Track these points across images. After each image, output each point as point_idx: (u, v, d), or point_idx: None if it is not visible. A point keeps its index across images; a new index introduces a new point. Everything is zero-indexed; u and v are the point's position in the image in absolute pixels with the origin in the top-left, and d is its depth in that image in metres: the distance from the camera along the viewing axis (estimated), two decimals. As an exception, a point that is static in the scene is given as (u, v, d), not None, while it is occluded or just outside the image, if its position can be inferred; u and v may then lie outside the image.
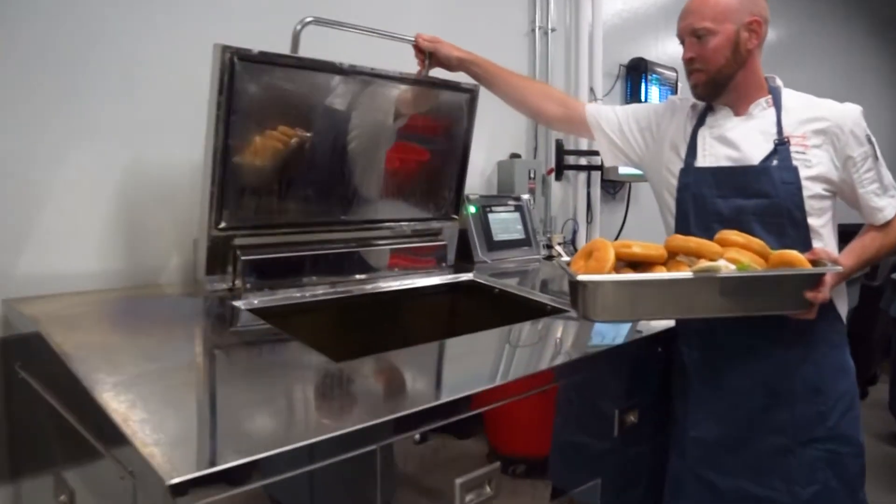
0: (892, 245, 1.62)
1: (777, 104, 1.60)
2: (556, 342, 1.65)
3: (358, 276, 2.03)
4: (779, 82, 1.66)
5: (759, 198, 1.55)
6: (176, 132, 1.89)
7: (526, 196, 2.62)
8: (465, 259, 2.36)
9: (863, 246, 1.61)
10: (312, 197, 1.89)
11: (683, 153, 1.67)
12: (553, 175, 3.01)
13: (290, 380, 1.28)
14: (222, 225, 1.71)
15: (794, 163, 1.54)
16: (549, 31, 3.00)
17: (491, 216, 2.43)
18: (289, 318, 1.74)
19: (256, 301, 1.73)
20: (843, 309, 1.64)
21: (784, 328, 1.54)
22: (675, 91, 3.64)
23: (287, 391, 1.23)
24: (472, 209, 2.36)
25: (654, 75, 3.50)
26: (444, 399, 1.18)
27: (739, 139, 1.60)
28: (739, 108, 1.64)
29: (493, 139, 2.76)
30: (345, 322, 1.92)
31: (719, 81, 1.59)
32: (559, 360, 1.46)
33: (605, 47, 3.20)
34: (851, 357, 1.66)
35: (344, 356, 1.32)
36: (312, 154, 1.86)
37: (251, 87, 1.66)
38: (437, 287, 2.14)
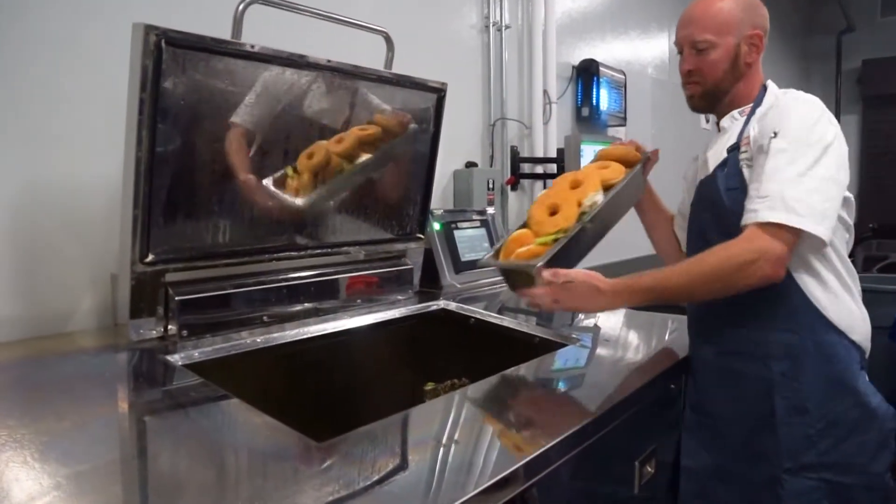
0: (711, 269, 1.33)
1: (752, 112, 1.46)
2: (564, 395, 1.37)
3: (315, 312, 1.70)
4: (772, 87, 1.51)
5: (714, 208, 1.45)
6: (86, 142, 1.53)
7: (491, 210, 2.33)
8: (430, 283, 2.06)
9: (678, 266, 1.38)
10: (259, 219, 1.55)
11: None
12: (510, 185, 2.75)
13: (272, 480, 0.92)
14: (149, 258, 1.36)
15: (741, 165, 1.41)
16: (503, 28, 2.74)
17: (457, 233, 2.13)
18: (240, 376, 1.40)
19: (197, 353, 1.38)
20: (845, 318, 1.41)
21: (766, 344, 1.41)
22: (624, 95, 3.45)
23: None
24: (436, 226, 2.05)
25: (604, 78, 3.31)
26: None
27: (710, 155, 1.52)
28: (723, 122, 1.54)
29: (448, 146, 2.46)
30: (309, 376, 1.60)
31: (714, 94, 1.50)
32: (578, 424, 1.17)
33: (556, 48, 2.97)
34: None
35: (323, 432, 1.00)
36: (259, 166, 1.53)
37: (182, 81, 1.32)
38: (407, 319, 1.83)
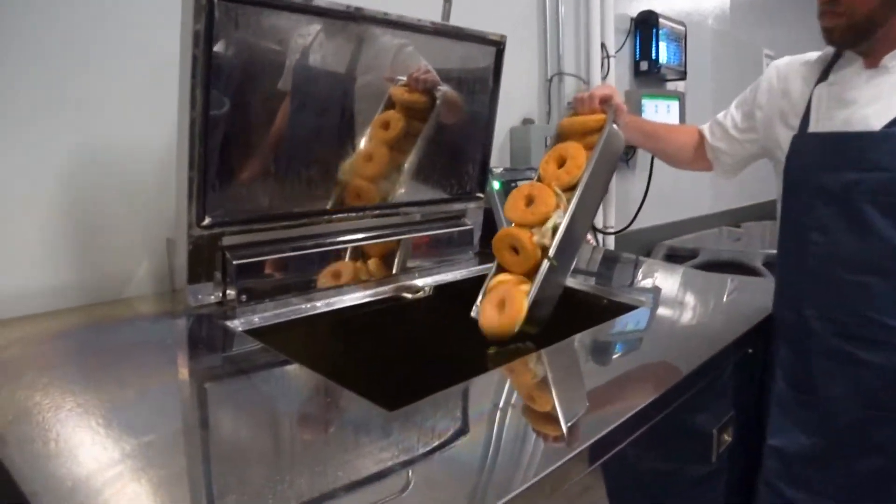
0: None
1: None
2: (640, 361, 1.30)
3: (376, 274, 1.65)
4: None
5: (878, 171, 1.23)
6: (132, 106, 1.49)
7: (545, 167, 2.24)
8: (490, 244, 1.99)
9: None
10: (317, 180, 1.50)
11: (797, 122, 1.39)
12: (569, 143, 2.65)
13: (348, 454, 0.87)
14: (206, 221, 1.32)
15: None
16: (559, -22, 2.63)
17: (516, 193, 2.05)
18: (300, 341, 1.36)
19: (256, 318, 1.34)
20: None
21: (890, 330, 1.26)
22: (683, 48, 3.30)
23: (351, 472, 0.82)
24: (495, 185, 1.98)
25: (663, 30, 3.17)
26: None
27: (864, 99, 1.29)
28: (874, 59, 1.30)
29: (504, 103, 2.37)
30: (369, 340, 1.55)
31: (863, 29, 1.26)
32: (664, 386, 1.11)
33: (613, -1, 2.85)
34: None
35: (395, 401, 0.96)
36: (317, 125, 1.47)
37: (235, 37, 1.27)
38: (468, 281, 1.77)
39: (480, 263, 1.85)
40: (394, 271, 1.71)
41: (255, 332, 1.28)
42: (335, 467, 0.79)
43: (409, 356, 1.59)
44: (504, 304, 1.38)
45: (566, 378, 1.18)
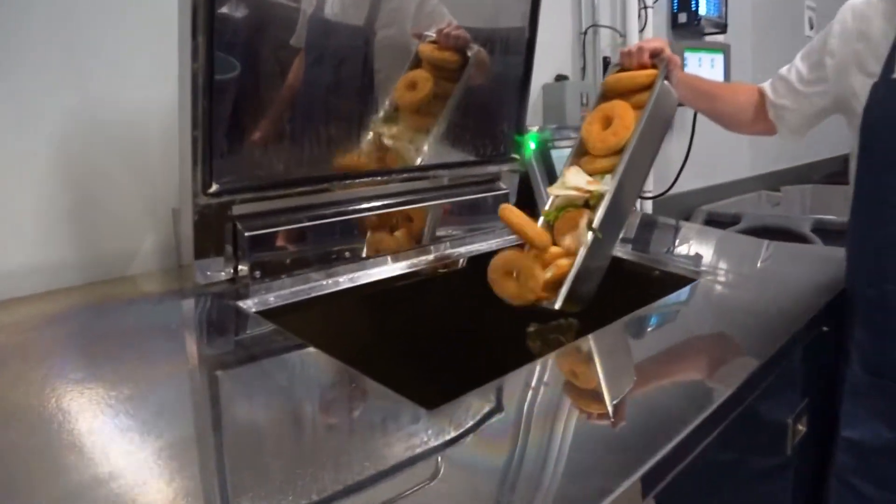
0: None
1: None
2: (704, 345, 1.15)
3: (403, 245, 1.50)
4: None
5: None
6: (137, 64, 1.34)
7: (589, 126, 2.07)
8: (525, 210, 1.83)
9: None
10: (337, 141, 1.35)
11: (878, 68, 1.20)
12: (605, 100, 2.47)
13: (358, 436, 0.75)
14: (214, 188, 1.17)
15: None
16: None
17: (554, 153, 1.88)
18: (323, 324, 1.22)
19: (272, 297, 1.20)
20: None
21: None
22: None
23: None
24: (531, 146, 1.81)
25: (702, -24, 2.96)
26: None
27: None
28: None
29: (535, 58, 2.21)
30: (403, 320, 1.40)
31: None
32: (740, 377, 0.95)
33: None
34: None
35: (432, 397, 0.81)
36: (336, 81, 1.32)
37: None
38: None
39: (516, 232, 1.69)
40: (422, 241, 1.55)
41: (269, 314, 1.13)
42: (362, 465, 0.65)
43: (443, 337, 1.45)
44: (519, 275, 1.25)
45: (623, 368, 1.02)
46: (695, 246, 1.80)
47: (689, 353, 1.08)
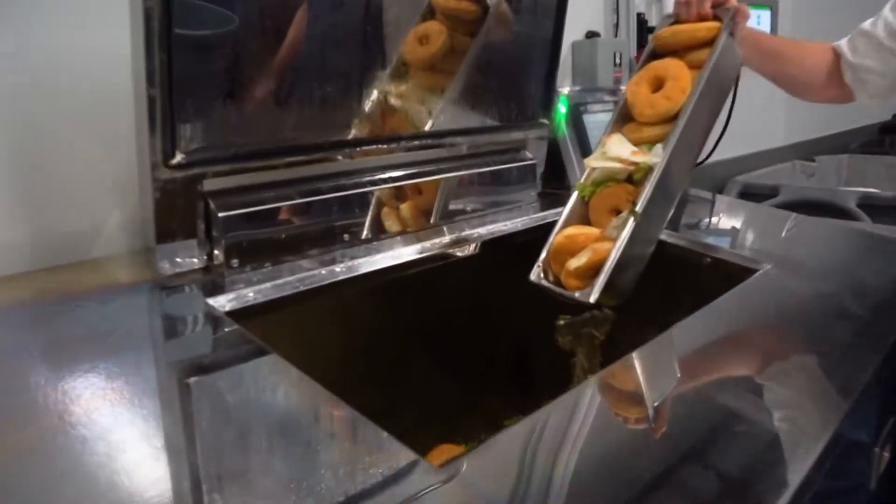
0: None
1: None
2: (795, 366, 0.93)
3: (412, 224, 1.28)
4: None
5: None
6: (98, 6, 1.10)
7: (623, 87, 1.83)
8: (552, 183, 1.60)
9: None
10: (334, 102, 1.12)
11: None
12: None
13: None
14: (178, 158, 0.95)
15: None
16: None
17: (586, 118, 1.65)
18: (313, 332, 1.00)
19: (251, 292, 0.98)
20: None
21: None
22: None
23: None
24: (562, 109, 1.58)
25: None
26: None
27: None
28: None
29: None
30: (411, 318, 1.20)
31: None
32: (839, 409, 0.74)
33: None
34: None
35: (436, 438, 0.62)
36: (332, 27, 1.09)
37: None
38: (532, 232, 1.39)
39: (544, 209, 1.47)
40: (434, 220, 1.33)
41: (245, 314, 0.92)
42: None
43: (460, 341, 1.24)
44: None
45: (691, 401, 0.80)
46: (740, 225, 1.57)
47: (771, 376, 0.86)
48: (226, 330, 0.86)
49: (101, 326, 0.87)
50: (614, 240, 1.05)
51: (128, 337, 0.85)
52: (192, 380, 0.77)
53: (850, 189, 2.69)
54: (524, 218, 1.41)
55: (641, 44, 2.28)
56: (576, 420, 0.71)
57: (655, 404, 0.75)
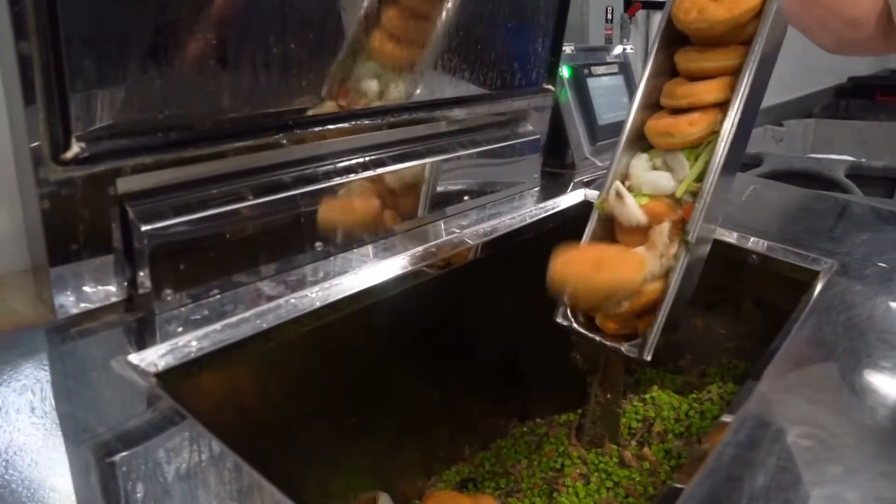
0: None
1: None
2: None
3: (390, 223, 0.99)
4: None
5: None
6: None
7: (629, 48, 1.56)
8: (553, 160, 1.34)
9: None
10: (295, 60, 0.82)
11: None
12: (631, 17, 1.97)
13: None
14: (76, 149, 0.64)
15: None
16: None
17: (591, 83, 1.37)
18: (285, 402, 0.71)
19: (194, 340, 0.67)
20: None
21: None
22: None
23: None
24: (565, 72, 1.31)
25: None
26: None
27: None
28: None
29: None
30: (417, 359, 0.92)
31: None
32: None
33: None
34: None
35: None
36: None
37: None
38: (539, 225, 1.12)
39: (549, 197, 1.19)
40: (421, 213, 1.05)
41: (183, 376, 0.62)
42: None
43: (461, 348, 0.96)
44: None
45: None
46: (765, 206, 1.33)
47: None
48: (156, 411, 0.56)
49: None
50: (657, 276, 0.78)
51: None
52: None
53: (839, 158, 2.53)
54: (531, 209, 1.13)
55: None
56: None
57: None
